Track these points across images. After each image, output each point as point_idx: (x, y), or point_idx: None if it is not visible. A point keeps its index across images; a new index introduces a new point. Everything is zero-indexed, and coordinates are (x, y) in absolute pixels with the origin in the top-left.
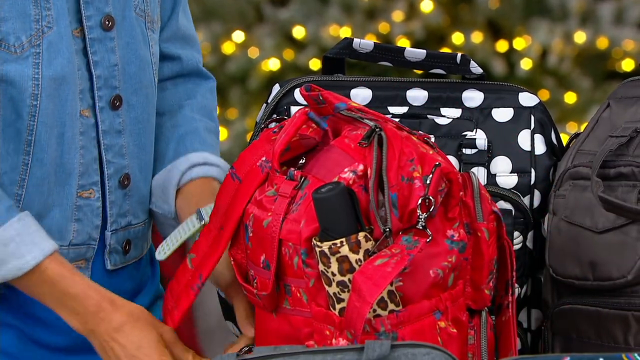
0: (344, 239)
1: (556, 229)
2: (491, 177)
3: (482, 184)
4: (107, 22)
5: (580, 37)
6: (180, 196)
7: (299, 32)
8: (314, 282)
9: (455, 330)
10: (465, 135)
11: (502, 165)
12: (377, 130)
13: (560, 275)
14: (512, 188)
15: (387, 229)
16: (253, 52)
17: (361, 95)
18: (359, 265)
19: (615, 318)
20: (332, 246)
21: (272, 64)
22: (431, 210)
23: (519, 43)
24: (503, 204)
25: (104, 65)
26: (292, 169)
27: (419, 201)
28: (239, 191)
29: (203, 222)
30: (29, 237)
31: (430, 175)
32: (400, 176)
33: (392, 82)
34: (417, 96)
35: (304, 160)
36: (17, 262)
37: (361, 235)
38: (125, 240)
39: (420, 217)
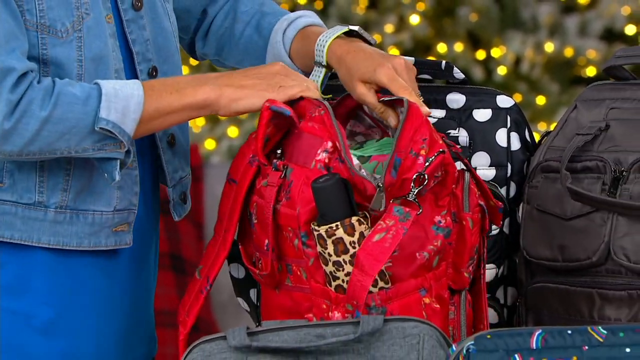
0: (339, 223)
1: (529, 216)
2: None
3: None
4: (137, 3)
5: (549, 46)
6: (295, 56)
7: None
8: (313, 261)
9: (438, 306)
10: (449, 133)
11: (481, 160)
12: (405, 100)
13: (533, 257)
14: (491, 180)
15: (380, 184)
16: None
17: None
18: (353, 247)
19: (581, 295)
20: (329, 229)
21: None
22: (423, 184)
23: (496, 52)
24: None
25: (140, 42)
26: (275, 160)
27: (415, 175)
28: (237, 192)
29: (323, 63)
30: (120, 84)
31: (433, 158)
32: (410, 148)
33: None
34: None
35: (281, 151)
36: (134, 99)
37: (354, 219)
38: (182, 192)
39: (413, 189)
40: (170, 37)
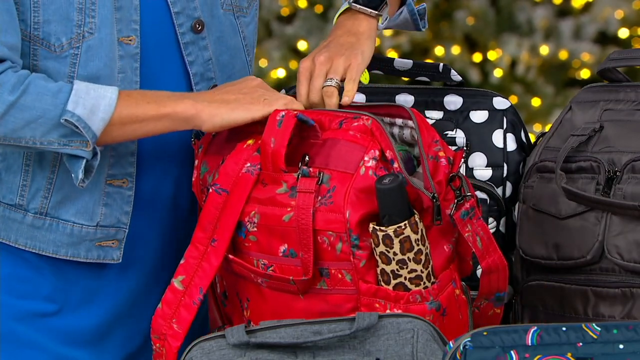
0: (406, 222)
1: (525, 215)
2: (469, 170)
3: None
4: (197, 26)
5: (544, 49)
6: None
7: (302, 45)
8: (365, 263)
9: (465, 297)
10: (447, 134)
11: (478, 160)
12: (408, 109)
13: (528, 255)
14: (487, 180)
15: (436, 195)
16: (263, 63)
17: (356, 100)
18: (417, 244)
19: (576, 293)
20: (397, 229)
21: (280, 73)
22: (461, 188)
23: (492, 55)
24: (479, 194)
25: (199, 63)
26: (304, 166)
27: (449, 177)
28: (229, 201)
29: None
30: (96, 86)
31: (452, 158)
32: (428, 155)
33: (383, 88)
34: (405, 100)
35: (308, 158)
36: (105, 100)
37: (417, 217)
38: None
39: (456, 192)
40: (237, 54)
